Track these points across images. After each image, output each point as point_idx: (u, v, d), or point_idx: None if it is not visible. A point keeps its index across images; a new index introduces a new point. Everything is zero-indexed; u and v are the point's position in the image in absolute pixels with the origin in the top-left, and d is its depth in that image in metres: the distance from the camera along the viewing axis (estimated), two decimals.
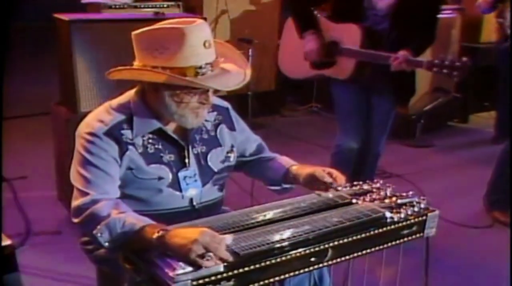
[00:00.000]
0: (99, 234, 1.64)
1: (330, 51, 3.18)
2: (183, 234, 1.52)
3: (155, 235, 1.54)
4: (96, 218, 1.65)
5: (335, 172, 1.94)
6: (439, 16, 3.29)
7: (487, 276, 3.10)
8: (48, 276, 2.92)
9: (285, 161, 2.11)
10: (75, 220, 1.71)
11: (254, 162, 2.15)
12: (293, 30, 3.34)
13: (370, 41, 3.07)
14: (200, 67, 1.71)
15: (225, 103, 2.06)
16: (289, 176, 2.04)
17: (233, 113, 2.07)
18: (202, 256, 1.46)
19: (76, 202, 1.72)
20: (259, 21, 5.67)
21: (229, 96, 2.22)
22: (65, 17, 3.27)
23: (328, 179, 1.90)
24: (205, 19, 2.37)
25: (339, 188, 1.91)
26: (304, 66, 3.35)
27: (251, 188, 3.35)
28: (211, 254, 1.47)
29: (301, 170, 2.01)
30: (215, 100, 1.95)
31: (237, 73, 1.83)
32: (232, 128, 2.03)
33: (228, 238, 1.54)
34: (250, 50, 5.18)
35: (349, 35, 3.10)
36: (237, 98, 2.07)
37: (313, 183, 1.94)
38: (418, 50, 3.04)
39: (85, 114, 1.89)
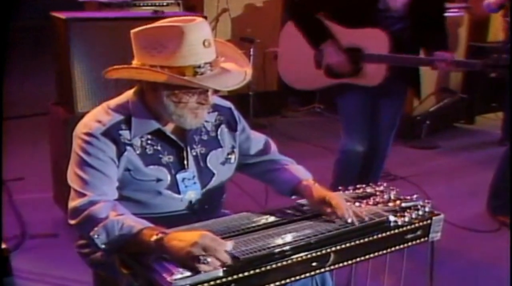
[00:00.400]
0: (96, 236, 1.63)
1: (354, 58, 3.11)
2: (182, 236, 1.52)
3: (154, 238, 1.54)
4: (93, 219, 1.65)
5: (334, 200, 1.82)
6: (447, 14, 3.29)
7: (493, 281, 3.09)
8: (44, 281, 2.92)
9: (293, 174, 2.02)
10: (72, 222, 1.71)
11: (260, 167, 2.10)
12: (295, 37, 3.24)
13: (393, 44, 3.05)
14: (199, 67, 1.70)
15: (227, 103, 2.05)
16: (296, 191, 1.99)
17: (236, 113, 2.05)
18: (199, 260, 1.45)
19: (73, 203, 1.71)
20: (261, 20, 5.67)
21: (230, 96, 2.22)
22: (62, 15, 3.27)
23: (342, 217, 1.79)
24: (205, 17, 2.36)
25: (350, 220, 1.77)
26: (317, 76, 3.25)
27: (266, 195, 3.35)
28: (208, 258, 1.46)
29: (309, 194, 1.92)
30: (216, 100, 1.94)
31: (237, 73, 1.81)
32: (233, 129, 2.02)
33: (229, 244, 1.53)
34: (251, 50, 5.18)
35: (375, 40, 3.04)
36: (238, 98, 2.06)
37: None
38: (442, 49, 3.04)
39: (82, 115, 1.88)
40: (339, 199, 1.83)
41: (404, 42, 3.06)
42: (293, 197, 2.02)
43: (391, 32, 3.05)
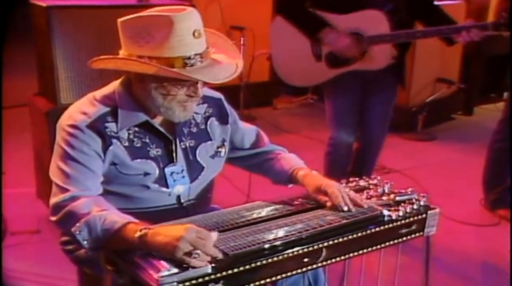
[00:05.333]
0: (77, 232, 1.63)
1: (359, 42, 3.10)
2: (166, 231, 1.53)
3: (137, 234, 1.54)
4: (75, 215, 1.65)
5: (330, 189, 1.86)
6: (445, 3, 3.31)
7: (493, 276, 3.12)
8: (26, 278, 2.92)
9: (288, 163, 2.06)
10: (53, 218, 1.71)
11: (255, 159, 2.13)
12: (286, 34, 3.23)
13: (392, 24, 3.06)
14: (189, 58, 1.70)
15: (218, 95, 2.05)
16: (293, 180, 2.02)
17: (227, 105, 2.06)
18: (189, 254, 1.46)
19: (54, 199, 1.71)
20: (252, 8, 5.66)
21: (220, 87, 2.21)
22: (42, 3, 3.25)
23: (337, 206, 1.83)
24: (193, 6, 2.34)
25: (346, 209, 1.82)
26: (319, 69, 3.23)
27: (248, 188, 3.37)
28: (198, 251, 1.47)
29: (307, 183, 1.95)
30: (206, 91, 1.94)
31: (228, 65, 1.81)
32: (224, 121, 2.02)
33: (214, 234, 1.54)
34: (242, 39, 5.18)
35: (374, 21, 3.05)
36: (229, 89, 2.06)
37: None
38: (447, 21, 3.09)
39: (65, 106, 1.88)
40: (335, 187, 1.86)
41: (399, 22, 3.08)
42: (290, 186, 2.06)
43: (385, 13, 3.06)
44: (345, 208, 1.81)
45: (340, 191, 1.85)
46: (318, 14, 3.11)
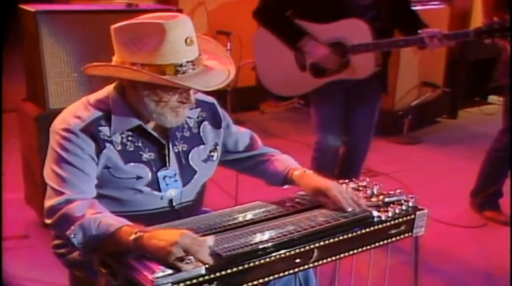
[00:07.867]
0: (72, 235, 1.64)
1: (339, 52, 3.12)
2: (162, 235, 1.54)
3: (132, 236, 1.56)
4: (69, 218, 1.66)
5: (331, 192, 1.88)
6: (428, 7, 3.34)
7: (481, 277, 3.15)
8: (16, 283, 2.91)
9: (282, 164, 2.08)
10: (48, 221, 1.72)
11: (249, 161, 2.14)
12: (269, 45, 3.25)
13: (373, 32, 3.08)
14: (181, 65, 1.71)
15: (211, 99, 2.07)
16: (289, 181, 2.04)
17: (220, 110, 2.07)
18: (182, 259, 1.48)
19: (49, 202, 1.72)
20: (238, 13, 5.68)
21: (208, 92, 2.24)
22: (30, 7, 3.25)
23: (343, 206, 1.86)
24: (180, 10, 2.36)
25: (350, 210, 1.85)
26: (304, 79, 3.24)
27: (235, 191, 3.38)
28: (191, 257, 1.49)
29: (304, 183, 1.98)
30: (199, 96, 1.96)
31: (220, 72, 1.83)
32: (217, 125, 2.04)
33: (210, 240, 1.56)
34: (228, 44, 5.19)
35: (356, 30, 3.06)
36: (216, 94, 2.07)
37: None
38: (423, 28, 3.09)
39: (54, 111, 1.89)
40: (335, 189, 1.88)
41: (380, 29, 3.11)
42: (286, 187, 2.07)
43: (366, 21, 3.09)
44: (349, 209, 1.84)
45: (341, 192, 1.88)
46: (299, 23, 3.12)
